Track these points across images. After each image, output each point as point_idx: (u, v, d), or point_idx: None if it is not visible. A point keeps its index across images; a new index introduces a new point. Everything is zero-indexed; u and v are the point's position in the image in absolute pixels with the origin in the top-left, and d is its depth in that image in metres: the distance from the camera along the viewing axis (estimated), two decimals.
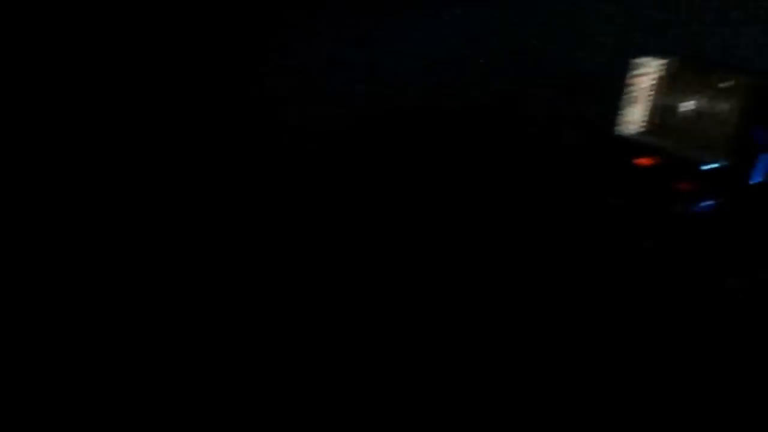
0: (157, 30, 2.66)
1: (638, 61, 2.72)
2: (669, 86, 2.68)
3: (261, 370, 2.25)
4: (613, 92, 2.80)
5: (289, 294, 2.53)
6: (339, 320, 2.48)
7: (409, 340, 2.48)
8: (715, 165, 2.53)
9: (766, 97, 2.33)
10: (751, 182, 2.37)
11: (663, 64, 2.65)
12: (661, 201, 2.58)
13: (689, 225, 2.45)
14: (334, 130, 2.90)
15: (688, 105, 2.61)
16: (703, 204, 2.46)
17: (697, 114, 2.60)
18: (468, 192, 2.96)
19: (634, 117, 2.79)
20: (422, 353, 2.46)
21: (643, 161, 2.73)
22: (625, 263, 2.54)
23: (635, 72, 2.74)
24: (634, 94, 2.77)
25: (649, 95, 2.73)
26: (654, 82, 2.70)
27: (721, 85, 2.47)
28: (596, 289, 2.55)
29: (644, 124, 2.78)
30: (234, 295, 2.52)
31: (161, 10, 2.64)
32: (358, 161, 2.92)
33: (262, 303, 2.53)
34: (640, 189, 2.66)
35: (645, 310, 2.43)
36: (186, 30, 2.69)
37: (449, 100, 3.16)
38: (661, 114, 2.74)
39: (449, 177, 3.02)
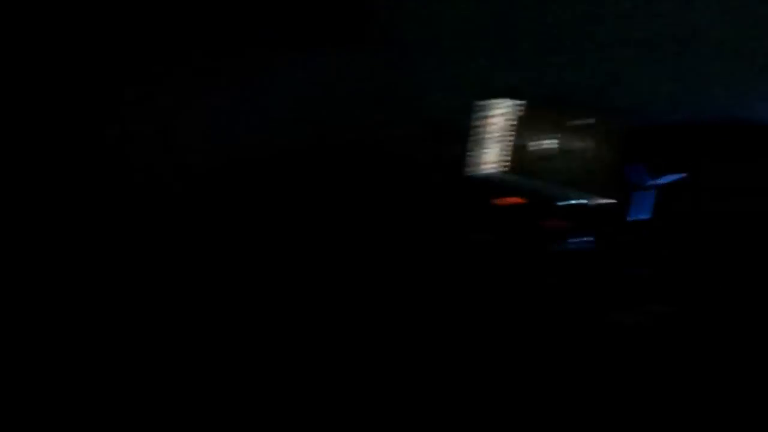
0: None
1: (492, 102, 2.76)
2: (525, 127, 2.74)
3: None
4: (471, 133, 2.81)
5: None
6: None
7: None
8: (578, 202, 2.58)
9: (625, 136, 2.43)
10: (630, 219, 2.42)
11: (516, 106, 2.72)
12: (530, 238, 2.54)
13: (565, 261, 2.43)
14: (200, 174, 2.58)
15: (546, 144, 2.67)
16: (578, 240, 2.47)
17: (557, 153, 2.67)
18: (331, 233, 2.76)
19: (490, 157, 2.80)
20: None
21: (507, 200, 2.73)
22: (500, 298, 2.44)
23: (490, 113, 2.78)
24: (491, 134, 2.79)
25: (505, 136, 2.77)
26: (509, 122, 2.75)
27: (576, 123, 2.56)
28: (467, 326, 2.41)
29: (503, 164, 2.80)
30: None
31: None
32: (222, 205, 2.63)
33: None
34: (505, 227, 2.61)
35: (525, 343, 2.31)
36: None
37: (311, 144, 2.99)
38: (520, 154, 2.78)
39: (312, 220, 2.79)
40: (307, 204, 2.86)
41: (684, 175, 2.33)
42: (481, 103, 2.82)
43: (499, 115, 2.81)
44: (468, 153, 2.91)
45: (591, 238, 2.55)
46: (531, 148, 2.78)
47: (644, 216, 2.44)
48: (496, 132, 2.84)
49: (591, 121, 2.58)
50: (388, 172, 3.04)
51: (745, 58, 2.18)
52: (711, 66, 2.24)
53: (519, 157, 2.81)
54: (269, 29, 2.57)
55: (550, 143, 2.73)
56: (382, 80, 3.05)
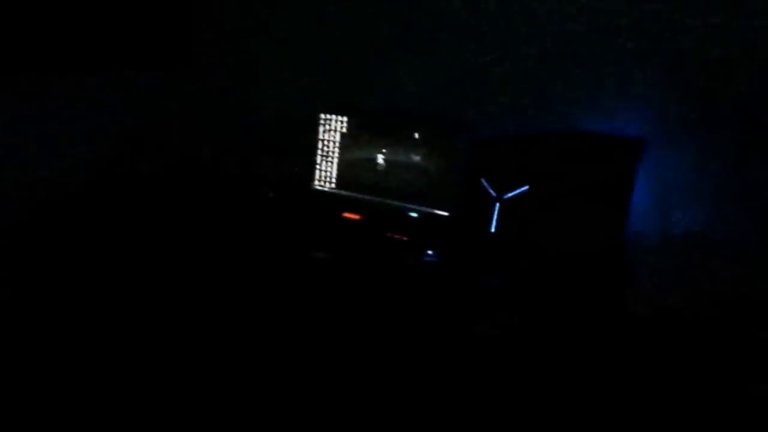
0: None
1: (325, 117, 2.74)
2: (357, 140, 2.70)
3: None
4: (305, 149, 2.77)
5: None
6: None
7: None
8: (418, 215, 2.51)
9: (466, 147, 2.41)
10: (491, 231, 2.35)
11: (350, 120, 2.69)
12: (372, 254, 2.44)
13: (409, 276, 2.32)
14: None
15: (380, 158, 2.61)
16: (422, 254, 2.38)
17: (392, 166, 2.61)
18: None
19: (325, 173, 2.74)
20: None
21: (351, 215, 2.64)
22: (345, 315, 2.29)
23: (322, 128, 2.75)
24: (324, 149, 2.75)
25: (339, 150, 2.73)
26: (342, 137, 2.71)
27: (410, 136, 2.52)
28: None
29: (338, 179, 2.74)
30: None
31: None
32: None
33: None
34: (345, 244, 2.51)
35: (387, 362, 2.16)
36: None
37: (137, 165, 2.96)
38: (354, 168, 2.72)
39: (140, 241, 2.71)
40: (135, 225, 2.78)
41: (526, 187, 2.26)
42: (315, 117, 2.79)
43: (332, 130, 2.78)
44: (303, 169, 2.86)
45: (433, 252, 2.44)
46: (364, 163, 2.71)
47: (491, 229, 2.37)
48: (329, 147, 2.80)
49: (425, 133, 2.53)
50: (217, 189, 2.96)
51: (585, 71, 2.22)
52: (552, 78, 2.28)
53: (353, 172, 2.74)
54: (92, 49, 2.62)
55: (383, 157, 2.67)
56: (210, 98, 3.06)
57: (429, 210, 2.57)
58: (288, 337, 2.41)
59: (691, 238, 2.09)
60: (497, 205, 2.35)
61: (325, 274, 2.53)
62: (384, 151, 2.66)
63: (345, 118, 2.75)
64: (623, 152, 2.13)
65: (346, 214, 2.74)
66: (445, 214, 2.53)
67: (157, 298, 2.63)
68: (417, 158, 2.58)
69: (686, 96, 2.04)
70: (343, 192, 2.79)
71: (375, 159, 2.68)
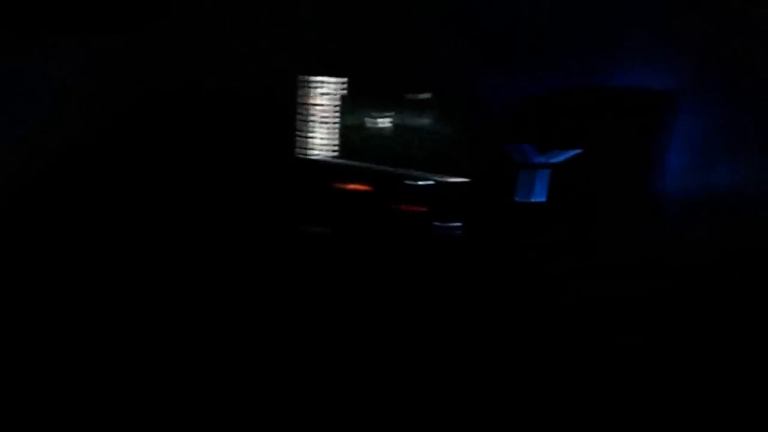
0: None
1: (314, 79, 2.48)
2: (353, 105, 2.47)
3: None
4: (295, 113, 2.53)
5: None
6: None
7: None
8: (428, 183, 2.31)
9: (471, 109, 2.19)
10: (517, 200, 2.12)
11: (343, 82, 2.45)
12: (382, 228, 2.25)
13: (427, 251, 2.13)
14: None
15: (380, 123, 2.41)
16: (443, 226, 2.18)
17: (394, 131, 2.40)
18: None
19: (320, 139, 2.52)
20: None
21: (348, 187, 2.42)
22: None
23: (314, 91, 2.50)
24: (317, 114, 2.51)
25: (333, 115, 2.50)
26: (335, 101, 2.48)
27: (411, 99, 2.30)
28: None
29: (334, 146, 2.52)
30: None
31: None
32: None
33: None
34: (349, 217, 2.31)
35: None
36: None
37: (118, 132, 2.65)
38: (352, 134, 2.51)
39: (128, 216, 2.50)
40: (121, 198, 2.56)
41: (578, 151, 2.05)
42: (303, 79, 2.53)
43: (324, 93, 2.53)
44: (294, 135, 2.60)
45: (458, 223, 2.24)
46: (363, 128, 2.51)
47: (539, 198, 2.13)
48: (322, 111, 2.55)
49: (427, 95, 2.32)
50: (204, 156, 2.70)
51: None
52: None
53: (351, 137, 2.53)
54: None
55: (383, 121, 2.46)
56: (188, 56, 2.74)
57: (443, 178, 2.40)
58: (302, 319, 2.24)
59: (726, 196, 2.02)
60: (548, 172, 2.12)
61: (331, 252, 2.35)
62: (382, 115, 2.45)
63: (344, 80, 2.51)
64: (655, 106, 2.01)
65: (348, 185, 2.53)
66: (463, 180, 2.36)
67: (148, 282, 2.40)
68: (420, 122, 2.38)
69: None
70: (341, 160, 2.59)
71: (373, 123, 2.48)
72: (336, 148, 2.58)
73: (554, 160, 2.07)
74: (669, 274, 2.07)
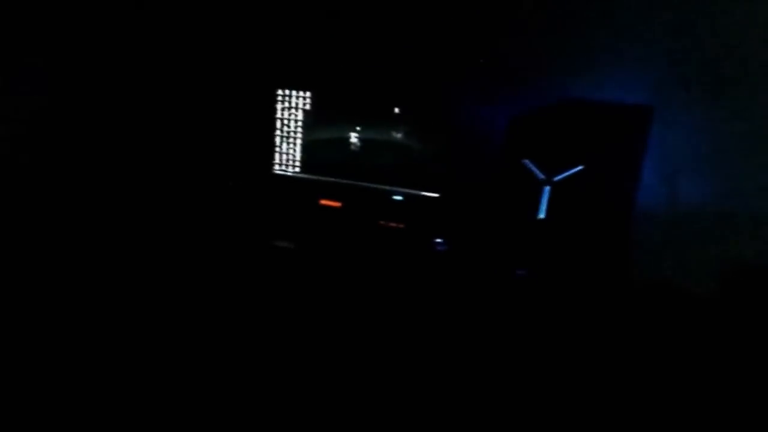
0: None
1: (283, 93, 2.37)
2: (322, 119, 2.37)
3: None
4: (265, 128, 2.41)
5: None
6: None
7: None
8: (403, 198, 2.24)
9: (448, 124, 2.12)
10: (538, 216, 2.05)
11: (313, 95, 2.35)
12: (360, 244, 2.16)
13: (408, 267, 2.05)
14: None
15: (351, 138, 2.31)
16: (428, 243, 2.10)
17: (366, 146, 2.31)
18: None
19: (289, 155, 2.41)
20: None
21: (329, 202, 2.33)
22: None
23: (282, 105, 2.39)
24: (286, 129, 2.40)
25: (303, 130, 2.39)
26: (307, 114, 2.38)
27: (384, 113, 2.22)
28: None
29: (304, 162, 2.42)
30: None
31: None
32: None
33: None
34: (335, 232, 2.22)
35: None
36: None
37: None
38: (322, 149, 2.40)
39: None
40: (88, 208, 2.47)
41: (580, 168, 2.00)
42: (273, 93, 2.42)
43: (292, 107, 2.42)
44: (264, 150, 2.49)
45: (442, 240, 2.20)
46: (335, 143, 2.40)
47: (539, 215, 2.08)
48: (292, 126, 2.44)
49: (397, 110, 2.24)
50: (176, 170, 2.56)
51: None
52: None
53: (321, 153, 2.43)
54: None
55: (357, 135, 2.36)
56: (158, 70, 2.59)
57: (416, 192, 2.34)
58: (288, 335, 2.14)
59: (698, 209, 2.04)
60: (547, 188, 2.06)
61: (303, 267, 2.26)
62: (358, 129, 2.36)
63: (307, 93, 2.40)
64: (632, 120, 2.00)
65: (324, 201, 2.44)
66: (433, 195, 2.31)
67: (125, 295, 2.26)
68: (398, 136, 2.31)
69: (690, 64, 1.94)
70: (311, 176, 2.48)
71: (347, 138, 2.38)
72: (301, 163, 2.47)
73: (557, 178, 2.04)
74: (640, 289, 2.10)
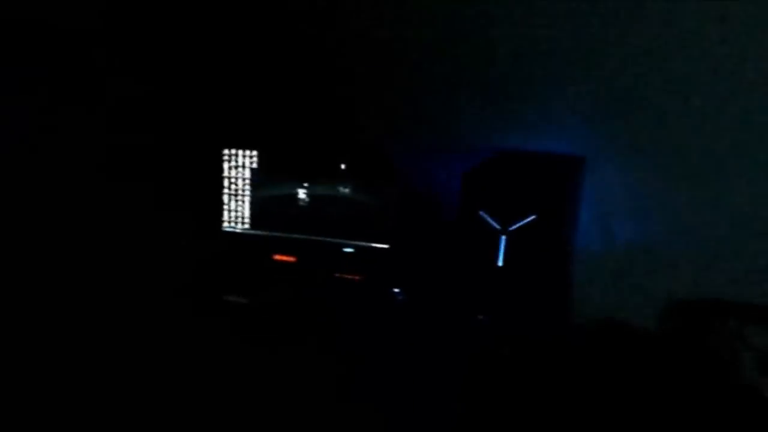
0: None
1: (230, 152, 2.38)
2: (270, 176, 2.39)
3: None
4: (215, 186, 2.41)
5: None
6: None
7: None
8: (354, 250, 2.27)
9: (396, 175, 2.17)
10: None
11: (260, 154, 2.36)
12: (315, 297, 2.18)
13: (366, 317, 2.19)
14: None
15: (299, 193, 2.33)
16: (383, 293, 2.25)
17: (314, 201, 2.33)
18: None
19: (240, 212, 2.42)
20: None
21: (283, 257, 2.33)
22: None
23: (230, 164, 2.39)
24: (234, 186, 2.41)
25: (252, 187, 2.40)
26: (255, 173, 2.39)
27: (331, 168, 2.25)
28: None
29: (255, 218, 2.43)
30: None
31: None
32: None
33: None
34: (291, 287, 2.23)
35: None
36: None
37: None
38: (273, 206, 2.42)
39: None
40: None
41: (534, 217, 2.08)
42: (219, 152, 2.42)
43: (239, 166, 2.44)
44: (215, 207, 2.49)
45: (399, 290, 2.25)
46: (282, 199, 2.43)
47: (498, 263, 2.16)
48: (240, 184, 2.46)
49: (343, 166, 2.30)
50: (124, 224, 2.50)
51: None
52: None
53: (270, 209, 2.44)
54: None
55: (302, 192, 2.40)
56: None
57: (368, 244, 2.38)
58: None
59: (633, 250, 2.19)
60: (503, 237, 2.14)
61: (257, 321, 2.26)
62: (305, 185, 2.39)
63: (254, 152, 2.42)
64: (566, 170, 2.13)
65: (278, 256, 2.45)
66: (387, 247, 2.36)
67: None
68: (345, 191, 2.36)
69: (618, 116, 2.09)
70: (262, 232, 2.49)
71: (296, 194, 2.41)
72: (249, 220, 2.48)
73: (511, 227, 2.12)
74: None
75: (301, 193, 2.39)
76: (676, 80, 2.00)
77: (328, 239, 2.40)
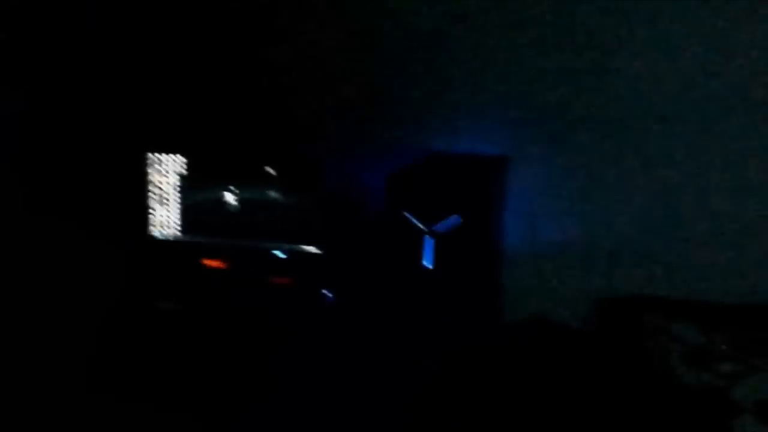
0: None
1: (155, 157, 2.32)
2: (195, 181, 2.33)
3: None
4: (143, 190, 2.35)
5: None
6: None
7: None
8: (285, 254, 2.24)
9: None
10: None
11: (184, 160, 2.31)
12: (248, 303, 2.12)
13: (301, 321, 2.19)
14: None
15: (225, 198, 2.28)
16: (328, 295, 2.25)
17: (241, 205, 2.28)
18: None
19: (167, 217, 2.36)
20: None
21: (212, 262, 2.27)
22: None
23: (156, 168, 2.34)
24: (162, 192, 2.35)
25: (177, 192, 2.35)
26: (178, 178, 2.33)
27: (254, 172, 2.24)
28: None
29: (183, 223, 2.37)
30: None
31: None
32: None
33: None
34: (209, 294, 2.18)
35: None
36: None
37: None
38: (197, 211, 2.36)
39: None
40: None
41: (458, 218, 2.06)
42: (145, 157, 2.37)
43: (166, 172, 2.38)
44: (144, 212, 2.43)
45: (327, 292, 2.23)
46: (212, 204, 2.38)
47: (427, 265, 2.13)
48: (167, 189, 2.40)
49: (268, 169, 2.27)
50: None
51: None
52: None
53: (199, 214, 2.40)
54: None
55: (230, 196, 2.36)
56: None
57: (298, 248, 2.35)
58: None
59: (561, 249, 2.19)
60: (430, 239, 2.11)
61: (189, 327, 2.22)
62: (233, 189, 2.35)
63: (178, 156, 2.37)
64: (489, 170, 2.13)
65: (208, 262, 2.40)
66: (316, 251, 2.33)
67: None
68: (274, 194, 2.32)
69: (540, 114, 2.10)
70: (191, 238, 2.44)
71: (223, 199, 2.37)
72: (178, 225, 2.43)
73: (438, 229, 2.10)
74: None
75: (230, 198, 2.35)
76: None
77: (258, 244, 2.36)
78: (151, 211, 2.43)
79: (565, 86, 2.05)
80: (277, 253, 2.36)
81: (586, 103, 2.05)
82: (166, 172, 2.38)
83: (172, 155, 2.36)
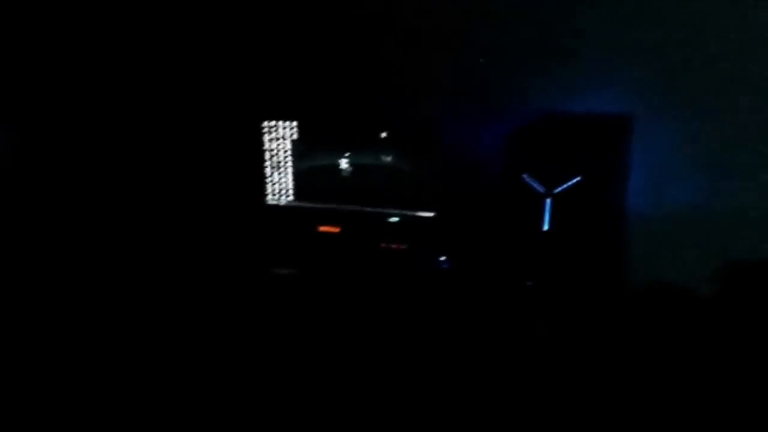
0: None
1: (268, 124, 2.39)
2: (310, 148, 2.38)
3: None
4: (258, 159, 2.46)
5: None
6: None
7: None
8: (400, 219, 2.26)
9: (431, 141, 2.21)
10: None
11: (300, 125, 2.36)
12: (361, 267, 2.23)
13: (414, 286, 2.20)
14: None
15: (341, 164, 2.33)
16: (429, 261, 2.26)
17: (356, 171, 2.31)
18: None
19: (283, 184, 2.43)
20: None
21: (327, 228, 2.34)
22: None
23: (271, 136, 2.40)
24: (276, 159, 2.42)
25: (293, 159, 2.41)
26: (293, 145, 2.39)
27: (368, 137, 2.29)
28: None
29: (299, 190, 2.43)
30: None
31: None
32: None
33: None
34: (324, 258, 2.24)
35: None
36: None
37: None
38: (313, 177, 2.42)
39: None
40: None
41: (578, 179, 2.04)
42: (259, 125, 2.44)
43: (281, 138, 2.45)
44: (259, 180, 2.52)
45: (445, 258, 2.25)
46: (325, 170, 2.43)
47: (543, 227, 2.12)
48: (281, 156, 2.47)
49: (383, 134, 2.28)
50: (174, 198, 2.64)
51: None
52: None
53: (312, 180, 2.45)
54: None
55: (347, 161, 2.39)
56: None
57: (412, 213, 2.36)
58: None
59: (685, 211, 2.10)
60: (548, 200, 2.09)
61: (307, 293, 2.29)
62: (347, 155, 2.38)
63: (294, 123, 2.42)
64: (612, 130, 2.05)
65: (322, 227, 2.46)
66: (430, 215, 2.34)
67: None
68: (387, 159, 2.34)
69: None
70: (305, 204, 2.50)
71: (337, 165, 2.41)
72: (294, 191, 2.50)
73: (556, 190, 2.07)
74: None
75: (344, 163, 2.38)
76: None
77: (372, 209, 2.39)
78: (266, 178, 2.50)
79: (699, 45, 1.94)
80: (391, 218, 2.38)
81: (715, 58, 1.93)
82: (282, 139, 2.44)
83: (286, 122, 2.42)
